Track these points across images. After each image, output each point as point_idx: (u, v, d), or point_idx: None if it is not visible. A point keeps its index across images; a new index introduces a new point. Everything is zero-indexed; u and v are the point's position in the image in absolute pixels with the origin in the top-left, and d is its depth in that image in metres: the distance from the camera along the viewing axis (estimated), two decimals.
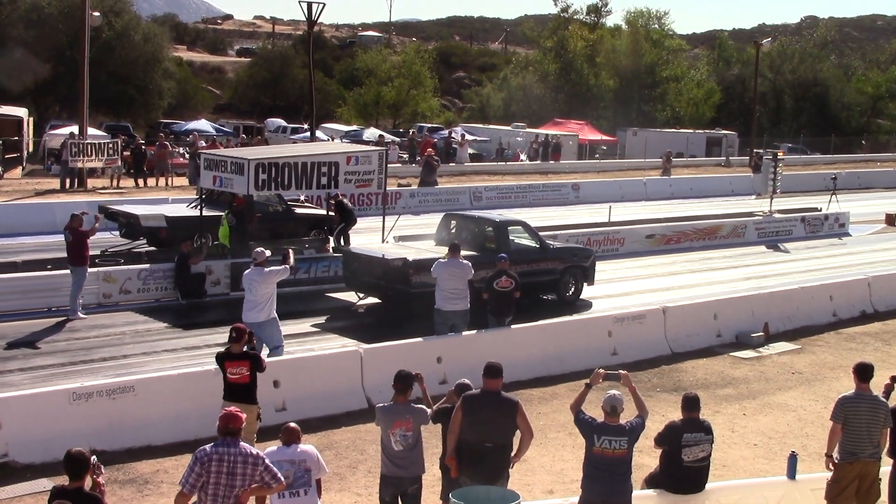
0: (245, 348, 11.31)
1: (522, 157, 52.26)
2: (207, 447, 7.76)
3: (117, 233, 22.58)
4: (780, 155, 34.56)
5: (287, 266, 14.69)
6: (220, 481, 7.63)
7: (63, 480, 7.44)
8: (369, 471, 11.41)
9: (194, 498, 7.77)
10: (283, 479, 7.92)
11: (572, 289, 20.39)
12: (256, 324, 14.10)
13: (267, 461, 7.84)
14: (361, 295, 19.73)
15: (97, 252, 21.18)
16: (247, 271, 14.62)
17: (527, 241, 19.92)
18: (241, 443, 7.81)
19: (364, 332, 17.43)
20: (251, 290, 14.24)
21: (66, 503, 7.14)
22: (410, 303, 17.82)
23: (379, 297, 19.31)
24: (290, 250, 15.56)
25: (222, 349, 11.53)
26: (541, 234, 20.93)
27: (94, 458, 7.39)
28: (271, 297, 14.26)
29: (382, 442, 9.19)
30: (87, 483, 7.28)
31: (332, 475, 10.89)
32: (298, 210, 23.60)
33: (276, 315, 14.42)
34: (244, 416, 7.96)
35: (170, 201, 26.43)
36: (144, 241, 22.11)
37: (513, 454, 9.13)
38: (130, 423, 12.11)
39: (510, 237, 19.42)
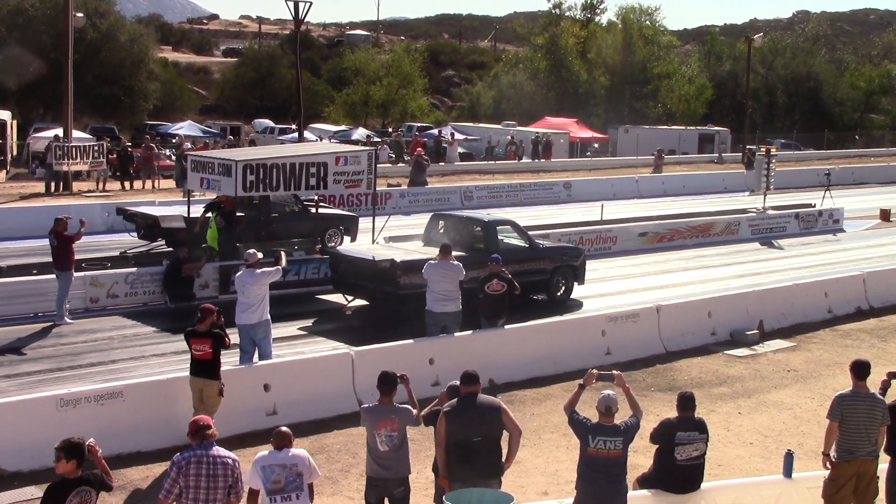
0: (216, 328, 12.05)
1: (515, 156, 52.09)
2: (184, 452, 7.84)
3: (135, 234, 22.92)
4: (765, 150, 34.53)
5: (279, 267, 14.62)
6: (199, 485, 7.71)
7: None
8: (361, 474, 11.26)
9: None
10: (242, 494, 8.02)
11: (562, 288, 20.25)
12: (250, 325, 14.05)
13: (240, 470, 7.95)
14: (350, 297, 19.57)
15: (116, 253, 21.68)
16: (238, 273, 14.53)
17: (516, 241, 19.77)
18: (217, 447, 7.93)
19: (352, 335, 17.28)
20: (243, 292, 14.13)
21: (86, 489, 7.36)
22: (399, 304, 17.69)
23: (367, 299, 19.15)
24: (283, 252, 15.52)
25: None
26: (531, 233, 20.79)
27: (91, 440, 7.61)
28: (264, 299, 14.17)
29: (368, 443, 9.15)
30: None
31: (324, 479, 10.76)
32: (314, 210, 23.42)
33: (269, 317, 14.31)
34: (211, 419, 8.16)
35: (156, 203, 26.27)
36: (163, 243, 22.14)
37: (504, 459, 9.06)
38: (119, 429, 11.94)
39: (499, 237, 19.27)
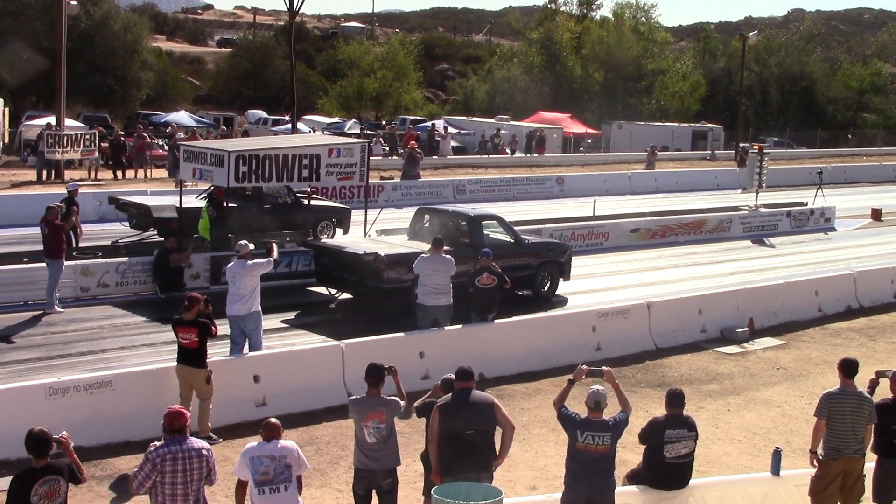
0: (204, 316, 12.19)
1: (507, 150, 52.02)
2: (158, 448, 7.85)
3: (127, 224, 22.90)
4: (756, 148, 34.53)
5: (271, 259, 14.64)
6: (176, 480, 7.77)
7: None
8: (350, 466, 11.25)
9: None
10: (215, 480, 8.11)
11: (548, 284, 20.20)
12: (241, 316, 14.06)
13: (212, 459, 8.02)
14: (334, 291, 19.54)
15: (108, 242, 21.68)
16: (230, 264, 14.53)
17: (501, 236, 19.69)
18: (190, 437, 7.99)
19: (340, 328, 17.18)
20: (235, 283, 14.13)
21: (53, 477, 7.33)
22: (382, 298, 17.66)
23: (351, 293, 19.10)
24: (274, 244, 15.49)
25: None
26: (520, 228, 20.75)
27: (63, 433, 7.59)
28: (255, 290, 14.18)
29: (356, 435, 9.16)
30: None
31: (312, 471, 10.79)
32: (307, 201, 23.39)
33: (260, 308, 14.31)
34: (188, 413, 8.23)
35: (148, 193, 26.23)
36: (155, 233, 22.11)
37: (497, 455, 9.10)
38: (108, 418, 11.97)
39: (484, 232, 19.23)
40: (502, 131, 53.92)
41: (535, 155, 50.37)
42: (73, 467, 7.56)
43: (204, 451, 7.91)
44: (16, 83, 51.61)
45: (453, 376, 9.30)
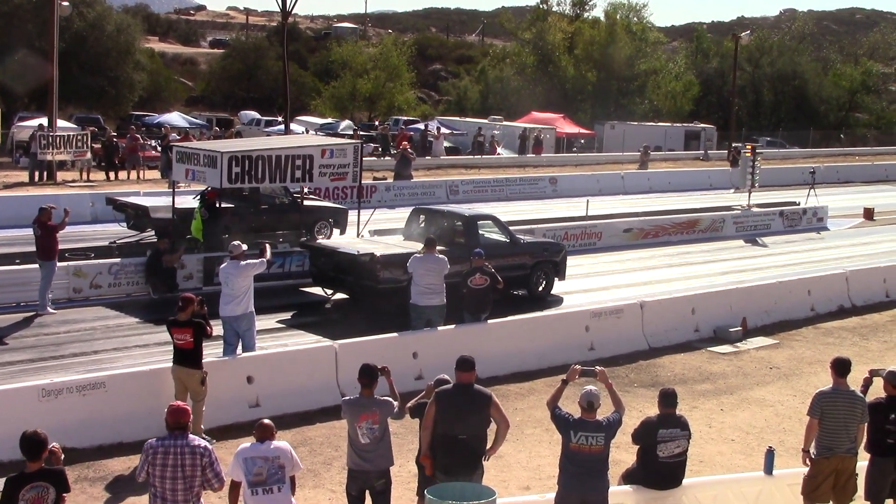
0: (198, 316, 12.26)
1: (500, 150, 51.95)
2: (154, 440, 7.96)
3: (125, 224, 22.93)
4: (749, 147, 34.59)
5: (264, 260, 14.63)
6: (165, 474, 7.82)
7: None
8: (343, 467, 11.22)
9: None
10: (224, 480, 8.10)
11: (543, 283, 20.22)
12: (234, 317, 14.05)
13: (213, 456, 7.99)
14: (329, 291, 19.53)
15: (100, 243, 21.65)
16: (223, 265, 14.51)
17: (496, 236, 19.72)
18: (190, 435, 8.03)
19: (334, 328, 17.18)
20: (228, 284, 14.12)
21: (42, 484, 7.31)
22: (378, 298, 17.67)
23: (346, 293, 19.11)
24: (267, 244, 15.48)
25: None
26: (514, 228, 20.77)
27: (54, 444, 7.61)
28: (248, 291, 14.17)
29: (349, 436, 9.16)
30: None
31: (306, 472, 10.79)
32: (304, 202, 23.35)
33: (253, 309, 14.30)
34: (191, 410, 8.37)
35: (141, 194, 26.20)
36: (153, 233, 22.06)
37: (489, 447, 9.08)
38: (101, 419, 11.96)
39: (479, 232, 19.25)
40: (494, 132, 53.79)
41: (532, 155, 50.38)
42: (65, 476, 7.54)
43: (198, 451, 7.89)
44: (7, 84, 51.47)
45: (446, 377, 9.32)
